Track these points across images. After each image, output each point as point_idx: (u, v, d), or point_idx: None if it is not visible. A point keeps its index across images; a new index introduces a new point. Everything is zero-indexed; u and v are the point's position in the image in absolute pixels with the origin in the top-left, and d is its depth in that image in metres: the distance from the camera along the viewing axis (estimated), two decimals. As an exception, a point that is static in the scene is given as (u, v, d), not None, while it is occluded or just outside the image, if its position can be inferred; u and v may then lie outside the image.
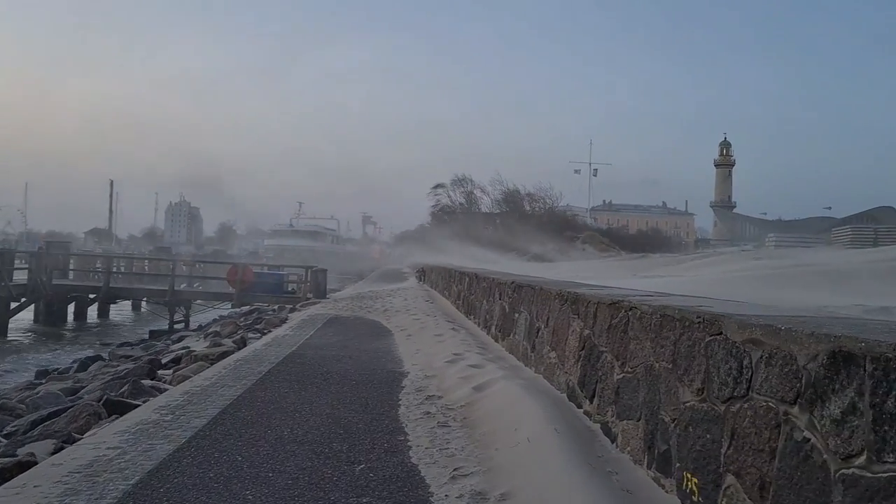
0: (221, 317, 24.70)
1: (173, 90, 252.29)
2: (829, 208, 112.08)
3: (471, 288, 13.77)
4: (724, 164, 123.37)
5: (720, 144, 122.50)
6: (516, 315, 8.38)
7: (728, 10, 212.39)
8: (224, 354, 8.83)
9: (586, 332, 5.36)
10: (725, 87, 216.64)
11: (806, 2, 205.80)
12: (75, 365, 12.69)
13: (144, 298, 26.38)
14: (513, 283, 8.92)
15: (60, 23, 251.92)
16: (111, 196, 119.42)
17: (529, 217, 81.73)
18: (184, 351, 10.36)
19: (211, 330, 13.88)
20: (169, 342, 14.49)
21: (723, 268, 32.21)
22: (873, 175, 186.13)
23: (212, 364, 8.04)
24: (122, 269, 30.59)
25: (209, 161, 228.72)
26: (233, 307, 22.19)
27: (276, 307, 20.87)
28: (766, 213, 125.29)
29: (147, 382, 7.06)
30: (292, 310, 17.38)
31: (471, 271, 14.77)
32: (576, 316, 5.68)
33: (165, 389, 6.82)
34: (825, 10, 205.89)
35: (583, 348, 5.40)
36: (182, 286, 29.63)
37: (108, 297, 23.85)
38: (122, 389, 6.55)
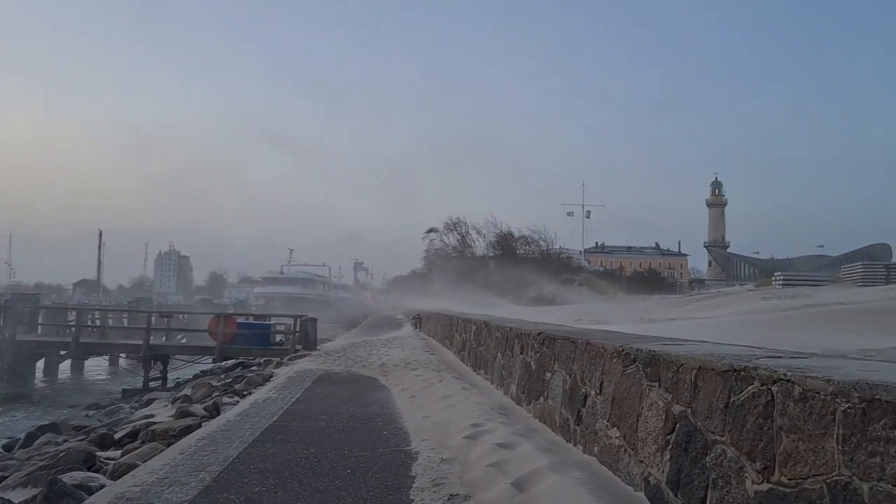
0: (203, 372, 22.89)
1: (159, 139, 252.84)
2: (822, 246, 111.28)
3: (479, 338, 12.19)
4: (717, 203, 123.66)
5: (711, 184, 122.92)
6: (548, 374, 6.80)
7: (717, 48, 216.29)
8: (187, 430, 7.16)
9: (677, 408, 3.80)
10: (711, 127, 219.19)
11: (794, 39, 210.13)
12: (23, 437, 10.91)
13: (122, 354, 24.38)
14: (540, 334, 7.36)
15: (44, 72, 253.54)
16: (100, 247, 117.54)
17: (524, 260, 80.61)
18: (143, 422, 8.66)
19: (181, 393, 12.09)
20: (136, 406, 12.68)
21: (733, 309, 30.73)
22: (862, 213, 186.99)
23: (168, 445, 6.38)
24: (97, 322, 28.65)
25: (201, 208, 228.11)
26: (214, 362, 20.39)
27: (262, 361, 19.12)
28: (758, 252, 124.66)
29: (78, 476, 5.39)
30: (279, 364, 15.67)
31: (478, 319, 13.21)
32: (654, 383, 4.12)
33: (98, 487, 5.15)
34: (812, 48, 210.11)
35: (672, 431, 3.83)
36: (163, 339, 27.86)
37: (78, 353, 21.92)
38: (35, 494, 4.88)
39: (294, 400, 9.15)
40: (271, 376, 12.94)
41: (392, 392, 10.01)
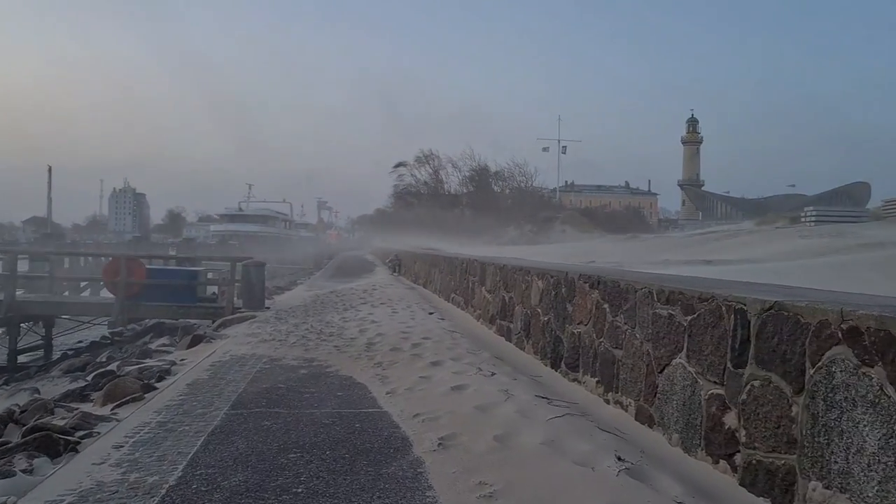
0: (112, 335, 16.69)
1: (117, 72, 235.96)
2: (793, 186, 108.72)
3: (555, 305, 6.35)
4: (692, 141, 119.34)
5: (687, 121, 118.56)
6: None
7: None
8: None
9: None
10: (680, 63, 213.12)
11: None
12: None
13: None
14: None
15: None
16: (49, 183, 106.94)
17: (500, 196, 74.82)
18: None
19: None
20: None
21: (774, 248, 25.63)
22: (831, 154, 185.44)
23: None
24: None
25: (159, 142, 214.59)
26: (110, 326, 14.12)
27: (182, 325, 13.10)
28: (728, 191, 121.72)
29: None
30: (196, 340, 9.60)
31: (543, 268, 7.32)
32: None
33: None
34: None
35: None
36: (69, 292, 21.50)
37: None
38: None
39: (163, 494, 3.21)
40: (166, 373, 6.97)
41: (415, 449, 4.13)
